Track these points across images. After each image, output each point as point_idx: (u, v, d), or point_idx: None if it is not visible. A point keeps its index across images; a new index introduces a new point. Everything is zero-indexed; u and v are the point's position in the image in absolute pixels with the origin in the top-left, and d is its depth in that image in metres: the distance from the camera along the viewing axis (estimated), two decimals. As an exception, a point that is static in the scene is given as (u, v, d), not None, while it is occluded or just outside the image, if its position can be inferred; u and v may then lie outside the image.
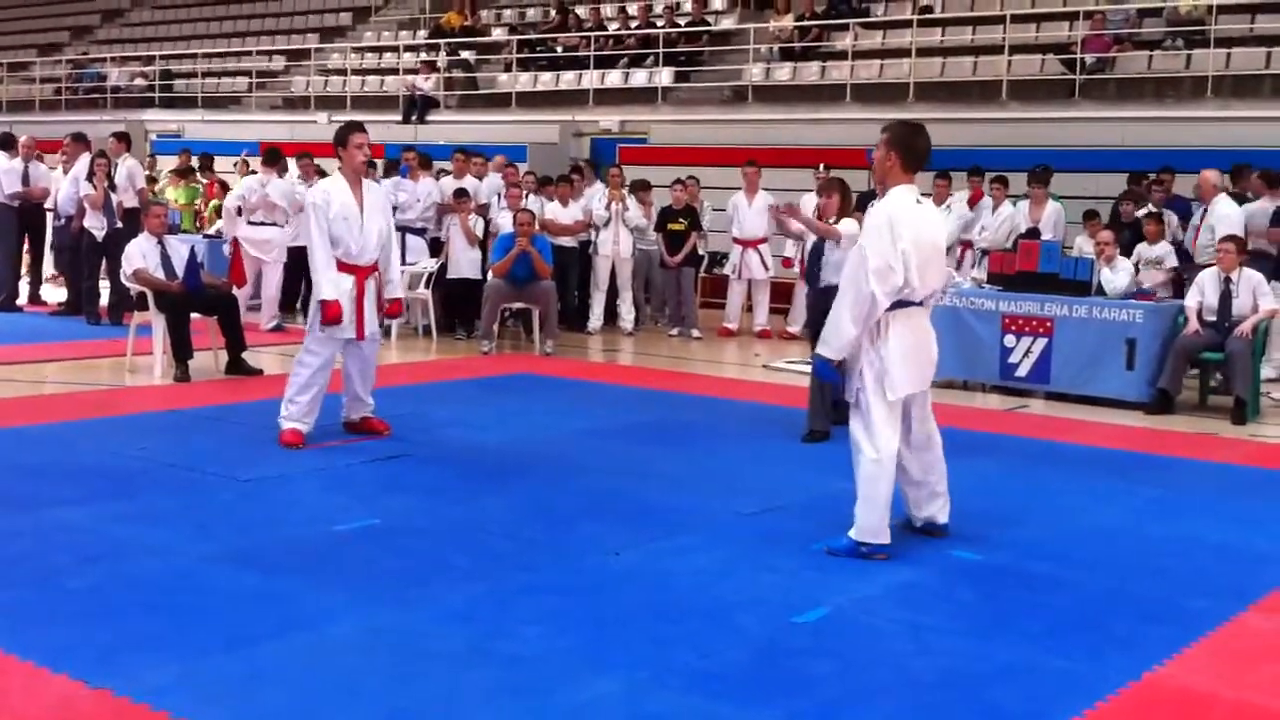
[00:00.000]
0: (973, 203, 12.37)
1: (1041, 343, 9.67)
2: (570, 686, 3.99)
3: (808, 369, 10.90)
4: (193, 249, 10.12)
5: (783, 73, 16.64)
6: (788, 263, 13.12)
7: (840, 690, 4.04)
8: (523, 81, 18.90)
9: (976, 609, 4.90)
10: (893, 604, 4.86)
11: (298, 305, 12.89)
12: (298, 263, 12.72)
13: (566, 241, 12.90)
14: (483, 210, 13.01)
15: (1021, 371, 9.79)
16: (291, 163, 13.02)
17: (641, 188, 13.40)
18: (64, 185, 12.98)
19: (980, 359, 9.88)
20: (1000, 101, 14.44)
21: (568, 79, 18.47)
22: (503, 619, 4.58)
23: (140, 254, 9.72)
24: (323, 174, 13.64)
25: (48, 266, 14.32)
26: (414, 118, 18.68)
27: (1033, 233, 11.23)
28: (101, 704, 3.75)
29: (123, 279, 10.29)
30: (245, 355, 9.83)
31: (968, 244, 12.02)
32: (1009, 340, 9.76)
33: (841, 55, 16.20)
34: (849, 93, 15.65)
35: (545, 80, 18.75)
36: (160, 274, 9.68)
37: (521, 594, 4.88)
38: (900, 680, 4.14)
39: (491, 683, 4.00)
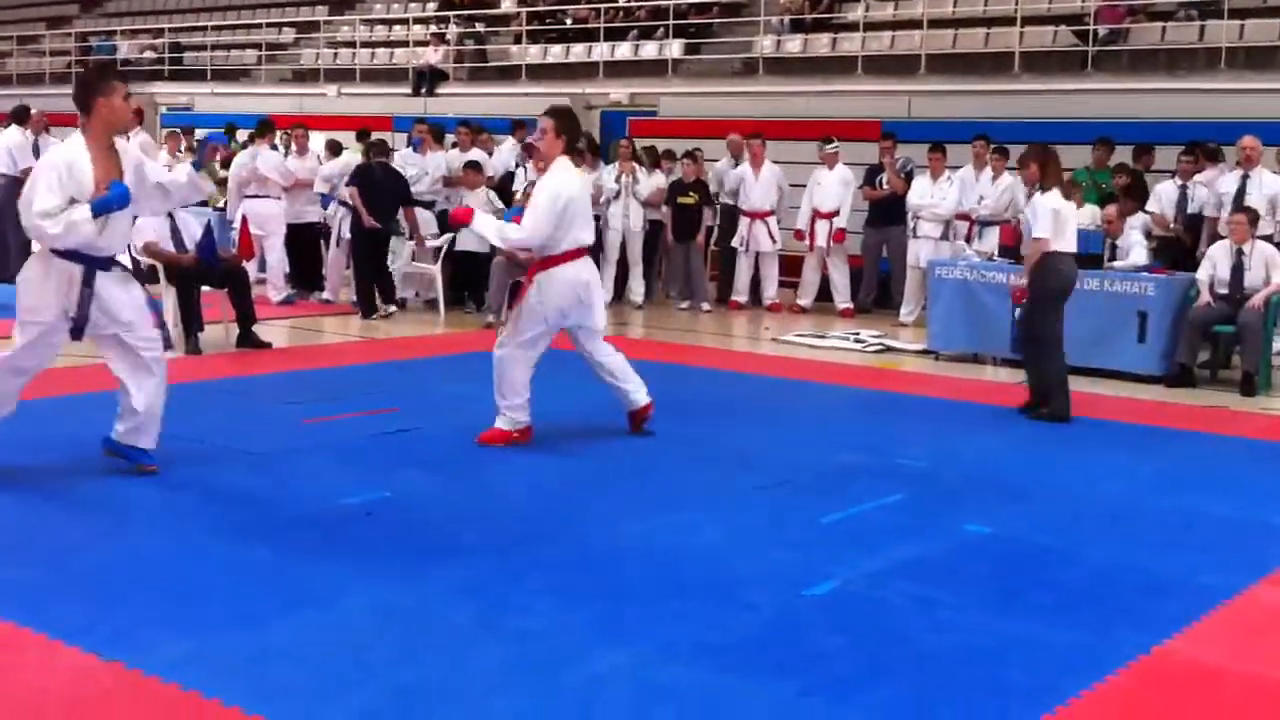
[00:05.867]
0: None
1: (1053, 315, 9.61)
2: (580, 660, 4.00)
3: (817, 342, 10.96)
4: (209, 223, 10.13)
5: (793, 44, 16.54)
6: (799, 235, 13.10)
7: (850, 664, 4.05)
8: (532, 54, 18.82)
9: (986, 583, 4.89)
10: (902, 578, 4.85)
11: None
12: (299, 236, 12.79)
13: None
14: (495, 183, 12.99)
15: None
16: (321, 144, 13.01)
17: (667, 157, 13.43)
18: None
19: (991, 331, 9.85)
20: (1012, 73, 14.35)
21: (577, 51, 18.39)
22: (512, 593, 4.60)
23: (150, 227, 9.71)
24: (338, 149, 13.66)
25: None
26: (423, 90, 18.63)
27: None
28: (114, 676, 3.77)
29: (133, 252, 10.29)
30: (255, 328, 9.85)
31: (966, 215, 11.98)
32: (1020, 313, 9.71)
33: (853, 27, 16.10)
34: (860, 65, 15.56)
35: (555, 52, 18.67)
36: (170, 247, 9.69)
37: (530, 568, 4.89)
38: (910, 654, 4.14)
39: (502, 657, 4.02)
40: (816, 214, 12.89)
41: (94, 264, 5.77)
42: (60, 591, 4.47)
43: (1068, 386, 7.94)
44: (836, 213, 12.79)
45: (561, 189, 6.67)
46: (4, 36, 27.19)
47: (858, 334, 11.24)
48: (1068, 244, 7.94)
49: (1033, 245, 7.89)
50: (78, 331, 5.87)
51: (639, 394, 7.14)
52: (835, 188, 12.84)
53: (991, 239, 11.36)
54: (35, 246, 6.11)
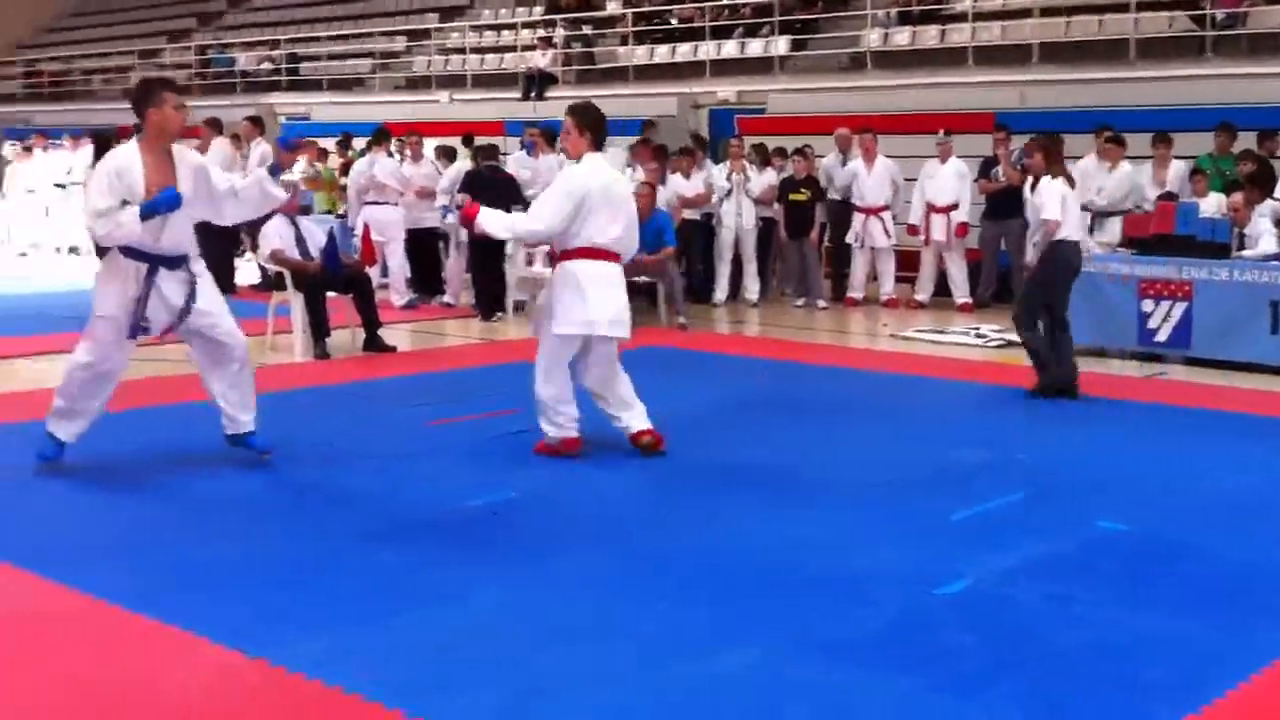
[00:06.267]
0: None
1: (1181, 307, 9.42)
2: (707, 657, 4.01)
3: (936, 338, 10.85)
4: (332, 230, 10.37)
5: (901, 37, 16.38)
6: (913, 230, 12.99)
7: (982, 662, 4.01)
8: (639, 54, 18.90)
9: (1120, 580, 4.81)
10: (1034, 575, 4.79)
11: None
12: (419, 242, 13.02)
13: (690, 214, 12.93)
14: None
15: (1160, 336, 9.55)
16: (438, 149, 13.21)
17: (778, 154, 13.41)
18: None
19: (1117, 325, 9.67)
20: (1128, 60, 14.05)
21: (684, 51, 18.42)
22: (636, 591, 4.63)
23: (276, 235, 9.97)
24: (451, 154, 13.88)
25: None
26: (533, 94, 18.81)
27: (1168, 195, 10.94)
28: (259, 672, 3.88)
29: (260, 260, 10.59)
30: (380, 333, 10.04)
31: (1085, 206, 11.74)
32: (1146, 305, 9.53)
33: (962, 17, 15.89)
34: (970, 55, 15.36)
35: (661, 53, 18.72)
36: (295, 254, 9.93)
37: (654, 566, 4.92)
38: (1043, 652, 4.08)
39: (628, 654, 4.04)
40: (931, 208, 12.76)
41: (156, 262, 6.06)
42: (200, 590, 4.60)
43: (1048, 360, 8.22)
44: (953, 206, 12.65)
45: (579, 179, 6.38)
46: (126, 50, 28.06)
47: (978, 329, 11.11)
48: (1073, 230, 8.24)
49: (1044, 228, 8.15)
50: (139, 330, 6.17)
51: (641, 419, 6.63)
52: (950, 181, 12.70)
53: (1113, 229, 11.13)
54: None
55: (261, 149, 13.88)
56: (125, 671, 3.92)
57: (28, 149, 19.17)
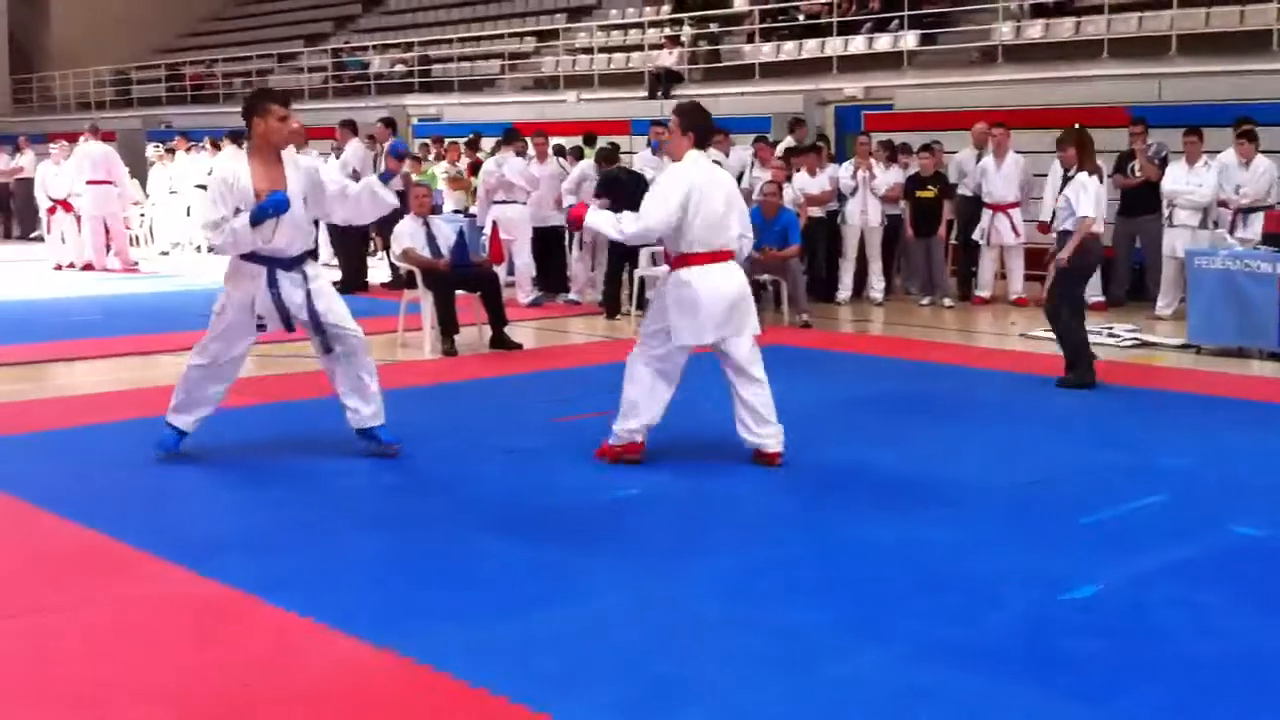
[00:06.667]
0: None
1: (1325, 307, 9.10)
2: (833, 659, 4.00)
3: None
4: (461, 229, 10.54)
5: (1034, 30, 16.07)
6: (1044, 227, 12.72)
7: (1114, 669, 3.92)
8: (765, 52, 18.84)
9: (1258, 587, 4.67)
10: (1169, 581, 4.68)
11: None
12: (545, 241, 13.17)
13: (815, 211, 12.86)
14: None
15: (1303, 337, 9.25)
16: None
17: (904, 150, 13.27)
18: (335, 170, 13.68)
19: (1257, 324, 9.37)
20: (1270, 51, 13.59)
21: (810, 47, 18.31)
22: (763, 591, 4.63)
23: (408, 234, 10.18)
24: (561, 152, 14.02)
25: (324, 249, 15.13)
26: (659, 93, 18.86)
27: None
28: (387, 663, 3.96)
29: (392, 258, 10.81)
30: (507, 330, 10.18)
31: (1226, 202, 11.41)
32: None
33: (1097, 9, 15.52)
34: (1105, 48, 15.01)
35: (788, 49, 18.64)
36: (426, 253, 10.12)
37: (779, 566, 4.91)
38: (1178, 660, 3.99)
39: (755, 654, 4.04)
40: (1063, 204, 12.49)
41: (274, 264, 6.31)
42: (332, 582, 4.71)
43: (1090, 353, 8.54)
44: (1086, 203, 12.36)
45: (684, 178, 6.22)
46: (265, 54, 28.83)
47: (1111, 328, 10.84)
48: (1099, 225, 8.52)
49: (1082, 224, 8.30)
50: (258, 328, 6.45)
51: (770, 440, 6.43)
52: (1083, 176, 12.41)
53: (1255, 226, 10.79)
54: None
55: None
56: (257, 660, 4.04)
57: (170, 151, 19.81)
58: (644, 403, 6.39)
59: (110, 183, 16.66)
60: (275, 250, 6.30)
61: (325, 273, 6.57)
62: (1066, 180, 8.76)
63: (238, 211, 6.18)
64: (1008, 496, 5.87)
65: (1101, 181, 8.57)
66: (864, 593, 4.61)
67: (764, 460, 6.42)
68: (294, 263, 6.38)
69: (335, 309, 6.48)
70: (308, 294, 6.37)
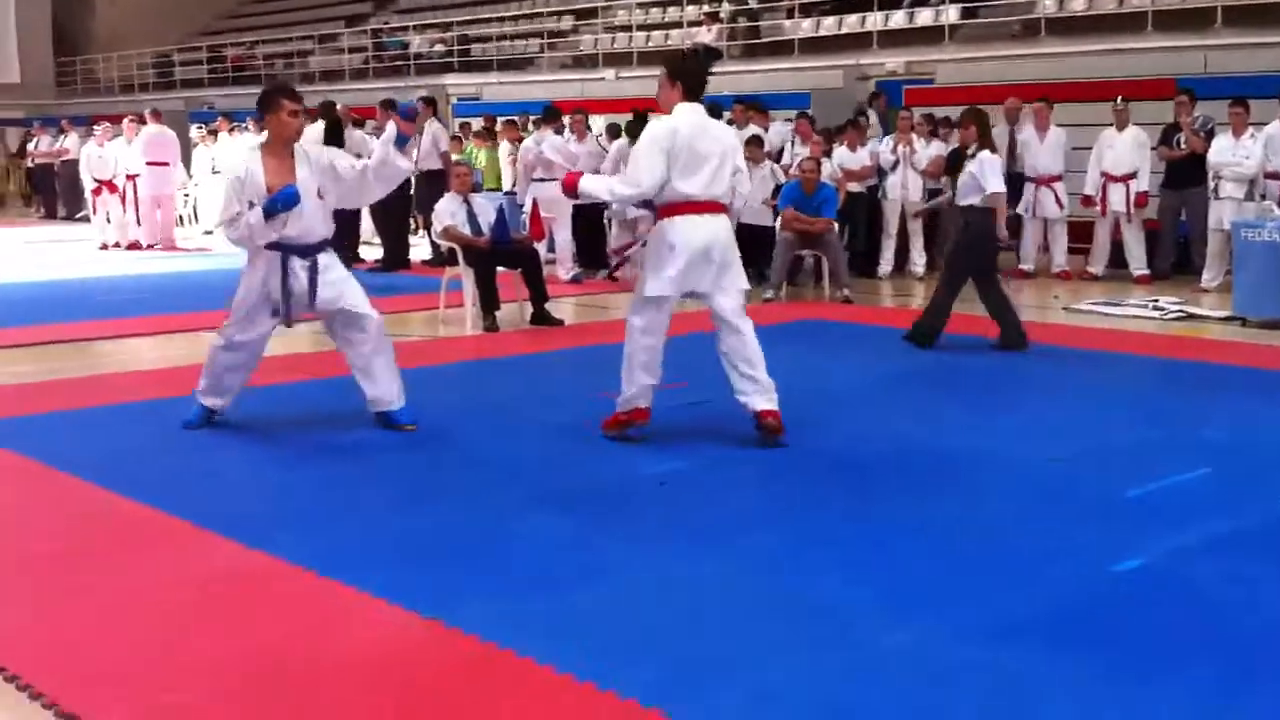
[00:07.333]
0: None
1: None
2: (873, 636, 3.98)
3: (1111, 310, 10.56)
4: (501, 207, 10.58)
5: (1077, 2, 15.89)
6: (1088, 201, 12.64)
7: (1160, 645, 3.89)
8: (805, 27, 18.74)
9: (1308, 561, 4.64)
10: (1216, 555, 4.64)
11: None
12: (585, 218, 13.17)
13: (854, 186, 12.81)
14: (773, 158, 13.06)
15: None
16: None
17: (944, 125, 13.19)
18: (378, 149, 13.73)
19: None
20: (1320, 21, 13.41)
21: (850, 22, 18.19)
22: (806, 565, 4.63)
23: (449, 212, 10.23)
24: (617, 133, 14.01)
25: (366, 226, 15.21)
26: (698, 69, 18.78)
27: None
28: (434, 633, 3.99)
29: (433, 236, 10.87)
30: (548, 306, 10.22)
31: (1275, 174, 11.28)
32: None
33: (1142, -20, 15.36)
34: (1150, 20, 14.84)
35: (828, 25, 18.53)
36: (467, 231, 10.16)
37: (818, 542, 4.91)
38: (1226, 635, 3.96)
39: (793, 630, 4.04)
40: (1108, 177, 12.40)
41: (289, 252, 6.45)
42: (378, 555, 4.75)
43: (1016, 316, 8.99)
44: (1131, 176, 12.27)
45: (663, 129, 6.03)
46: (306, 35, 28.95)
47: (1156, 301, 10.77)
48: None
49: (992, 197, 8.70)
50: (274, 312, 6.56)
51: (757, 398, 6.24)
52: (1128, 149, 12.32)
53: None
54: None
55: (434, 129, 14.20)
56: (309, 630, 4.08)
57: (213, 132, 19.95)
58: (634, 355, 6.31)
59: (166, 164, 17.25)
60: (290, 239, 6.45)
61: (337, 261, 6.68)
62: (967, 158, 8.99)
63: (251, 205, 6.34)
64: (1051, 470, 5.84)
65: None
66: (904, 568, 4.60)
67: (762, 426, 6.22)
68: (309, 250, 6.51)
69: (347, 294, 6.59)
70: (312, 282, 6.49)
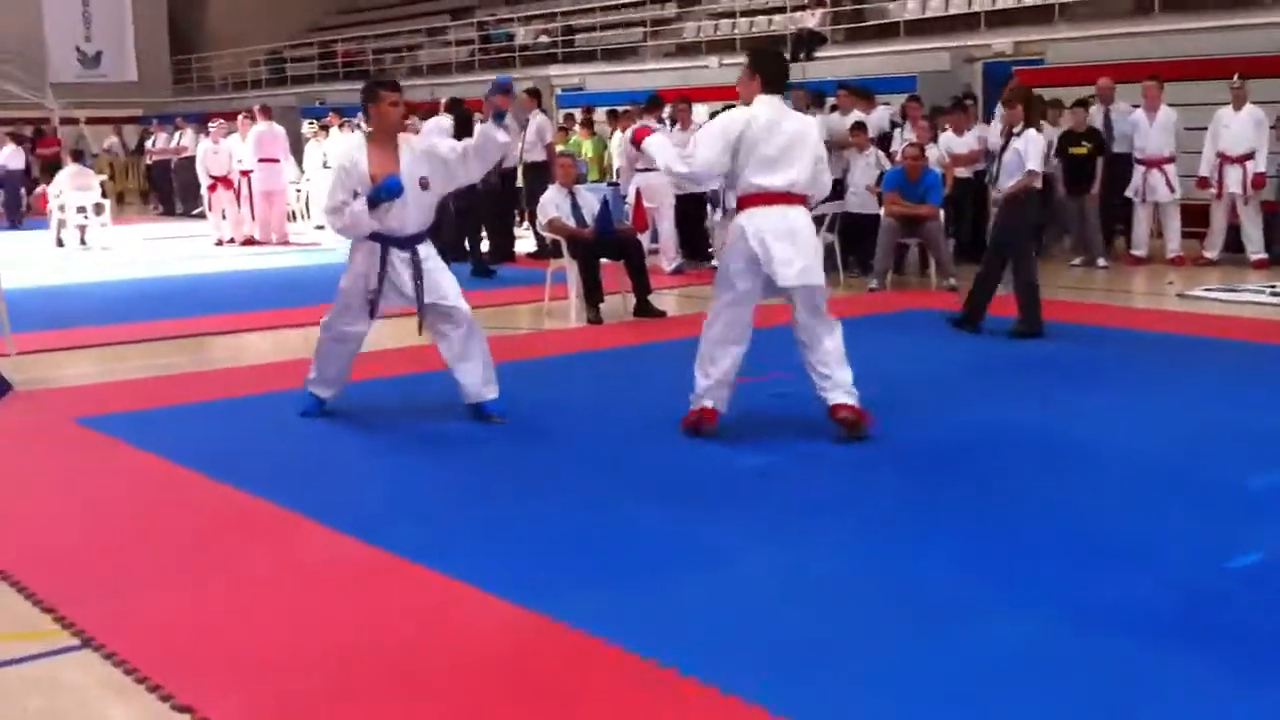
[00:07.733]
0: None
1: None
2: (985, 624, 3.96)
3: (1228, 296, 10.28)
4: (604, 198, 10.62)
5: (1195, -23, 15.49)
6: (1203, 183, 12.30)
7: (1277, 643, 3.80)
8: (910, 9, 18.49)
9: None
10: (1336, 549, 4.53)
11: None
12: (687, 208, 13.18)
13: (962, 172, 12.62)
14: (878, 143, 12.92)
15: None
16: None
17: (1055, 107, 12.95)
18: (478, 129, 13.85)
19: None
20: None
21: (957, 3, 17.92)
22: (911, 555, 4.60)
23: (553, 204, 10.30)
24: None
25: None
26: (801, 55, 18.67)
27: None
28: (544, 628, 4.03)
29: (538, 228, 10.95)
30: (651, 298, 10.24)
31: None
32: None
33: (1264, -47, 14.91)
34: (1270, -6, 14.41)
35: (934, 5, 18.27)
36: (571, 222, 10.22)
37: (928, 530, 4.88)
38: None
39: (904, 618, 4.03)
40: (1224, 158, 12.06)
41: (388, 243, 6.57)
42: (485, 548, 4.81)
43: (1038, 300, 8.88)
44: (1248, 156, 11.93)
45: (734, 118, 6.05)
46: (414, 30, 29.30)
47: (1274, 286, 10.47)
48: (1039, 180, 8.92)
49: (1027, 176, 8.64)
50: (373, 304, 6.69)
51: (836, 392, 6.18)
52: (1246, 129, 11.97)
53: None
54: None
55: (539, 120, 14.31)
56: (422, 623, 4.15)
57: (324, 128, 20.29)
58: (709, 353, 6.31)
59: (276, 160, 17.71)
60: (390, 229, 6.56)
61: (434, 253, 6.77)
62: (1013, 136, 8.85)
63: (356, 195, 6.46)
64: (1168, 461, 5.73)
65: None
66: (1011, 557, 4.55)
67: (842, 418, 6.16)
68: (408, 242, 6.61)
69: (443, 287, 6.68)
70: (415, 273, 6.58)
